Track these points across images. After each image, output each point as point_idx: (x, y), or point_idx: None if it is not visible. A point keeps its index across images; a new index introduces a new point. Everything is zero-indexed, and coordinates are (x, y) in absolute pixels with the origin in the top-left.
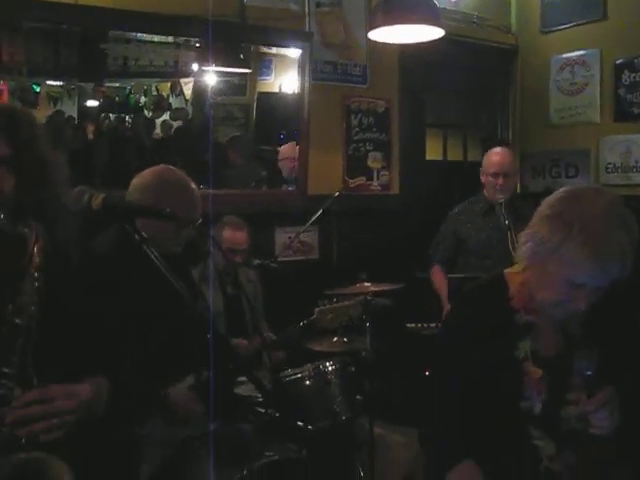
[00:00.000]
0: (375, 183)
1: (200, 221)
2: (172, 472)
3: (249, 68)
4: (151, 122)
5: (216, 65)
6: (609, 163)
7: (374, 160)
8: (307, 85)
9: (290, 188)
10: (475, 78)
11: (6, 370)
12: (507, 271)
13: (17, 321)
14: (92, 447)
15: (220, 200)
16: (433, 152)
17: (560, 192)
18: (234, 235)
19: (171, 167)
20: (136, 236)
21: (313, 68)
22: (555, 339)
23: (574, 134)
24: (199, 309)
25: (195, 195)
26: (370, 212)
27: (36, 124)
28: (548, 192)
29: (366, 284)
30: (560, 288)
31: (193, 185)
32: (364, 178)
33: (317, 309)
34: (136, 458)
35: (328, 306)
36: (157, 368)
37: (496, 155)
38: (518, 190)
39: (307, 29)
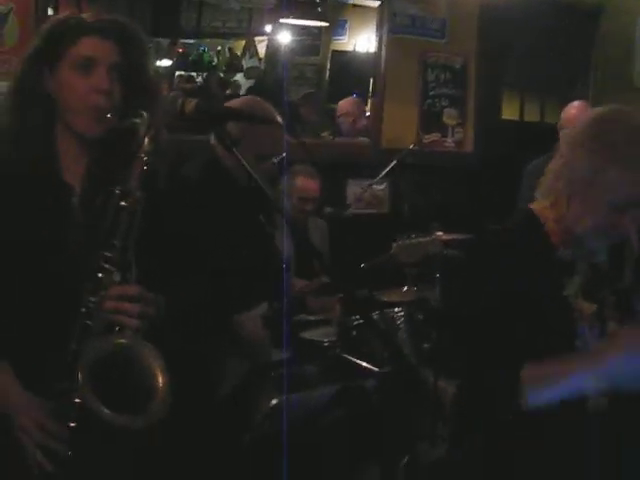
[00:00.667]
0: (449, 140)
1: (282, 156)
2: (243, 399)
3: (327, 21)
4: (225, 82)
5: (293, 17)
6: None
7: (449, 116)
8: (385, 38)
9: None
10: (557, 38)
11: (107, 254)
12: (535, 207)
13: (122, 204)
14: (175, 360)
15: (295, 149)
16: (508, 112)
17: (588, 118)
18: (306, 183)
19: (259, 99)
20: (227, 140)
21: (391, 21)
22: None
23: None
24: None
25: (279, 128)
26: (443, 169)
27: (146, 44)
28: None
29: (438, 233)
30: (602, 215)
31: (279, 118)
32: (439, 134)
33: (395, 244)
34: (216, 378)
35: (407, 241)
36: (239, 289)
37: (573, 109)
38: None
39: None
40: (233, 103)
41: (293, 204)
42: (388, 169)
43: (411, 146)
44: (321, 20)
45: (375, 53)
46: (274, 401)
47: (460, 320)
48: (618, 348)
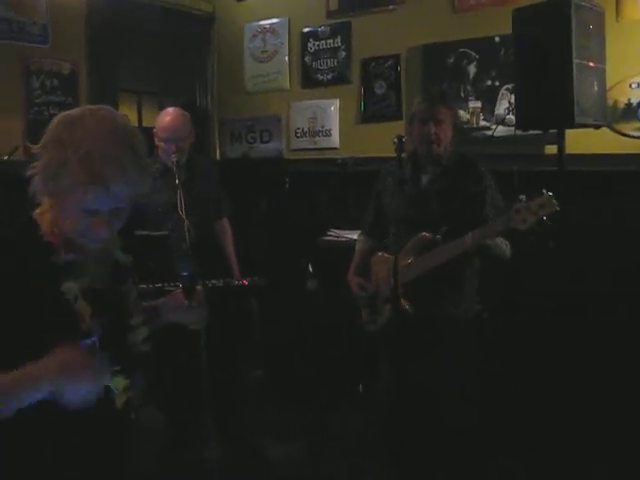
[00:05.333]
0: None
1: None
2: None
3: None
4: None
5: None
6: (298, 128)
7: None
8: None
9: None
10: (172, 44)
11: None
12: (36, 212)
13: None
14: None
15: None
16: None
17: (57, 117)
18: None
19: None
20: None
21: None
22: (103, 270)
23: (267, 100)
24: None
25: None
26: None
27: None
28: (245, 157)
29: None
30: (76, 217)
31: None
32: None
33: None
34: None
35: None
36: None
37: (168, 115)
38: (217, 156)
39: None
40: None
41: None
42: None
43: (5, 157)
44: None
45: None
46: None
47: None
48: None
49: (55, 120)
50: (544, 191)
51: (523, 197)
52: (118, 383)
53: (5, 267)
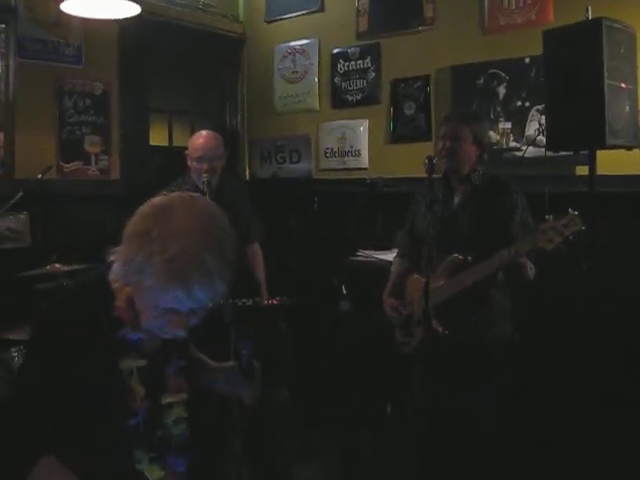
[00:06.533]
0: (93, 168)
1: None
2: None
3: None
4: None
5: None
6: (327, 148)
7: (92, 144)
8: (12, 63)
9: None
10: (203, 65)
11: None
12: (114, 278)
13: None
14: None
15: None
16: (159, 138)
17: (148, 205)
18: None
19: None
20: None
21: (19, 45)
22: (156, 345)
23: (296, 121)
24: None
25: None
26: (88, 197)
27: None
28: (275, 177)
29: (57, 265)
30: (154, 312)
31: None
32: (81, 163)
33: None
34: None
35: None
36: None
37: (201, 137)
38: (247, 177)
39: (12, 4)
40: None
41: None
42: (14, 201)
43: (39, 176)
44: None
45: (3, 77)
46: None
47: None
48: None
49: (143, 209)
50: (570, 210)
51: (550, 217)
52: (153, 473)
53: (69, 333)
